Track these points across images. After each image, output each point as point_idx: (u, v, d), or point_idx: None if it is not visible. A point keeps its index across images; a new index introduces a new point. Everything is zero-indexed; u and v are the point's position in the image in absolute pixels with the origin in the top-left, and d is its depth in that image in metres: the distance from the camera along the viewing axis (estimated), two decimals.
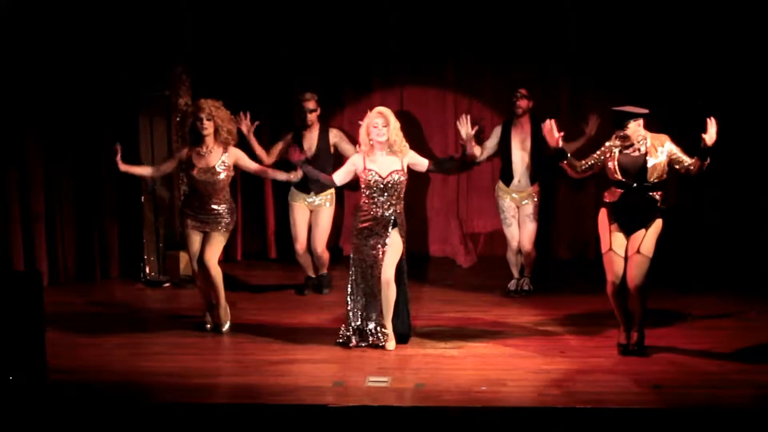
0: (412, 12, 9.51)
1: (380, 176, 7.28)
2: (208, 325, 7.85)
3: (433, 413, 6.22)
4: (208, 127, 7.57)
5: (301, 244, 8.80)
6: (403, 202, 7.38)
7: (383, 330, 7.34)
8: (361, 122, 7.36)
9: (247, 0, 9.41)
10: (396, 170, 7.29)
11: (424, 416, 6.21)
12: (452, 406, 6.29)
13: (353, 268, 7.44)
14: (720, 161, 9.18)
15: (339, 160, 8.73)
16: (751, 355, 7.06)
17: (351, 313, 7.44)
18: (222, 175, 7.64)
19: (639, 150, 7.01)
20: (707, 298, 8.43)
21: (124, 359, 7.18)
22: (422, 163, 7.46)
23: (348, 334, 7.44)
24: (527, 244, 8.67)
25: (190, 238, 7.77)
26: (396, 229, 7.32)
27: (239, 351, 7.42)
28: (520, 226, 8.70)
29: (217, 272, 7.71)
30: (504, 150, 8.69)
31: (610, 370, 6.84)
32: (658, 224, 7.07)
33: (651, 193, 7.05)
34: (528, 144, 8.61)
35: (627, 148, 7.02)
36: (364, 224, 7.36)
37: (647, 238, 7.01)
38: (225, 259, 9.85)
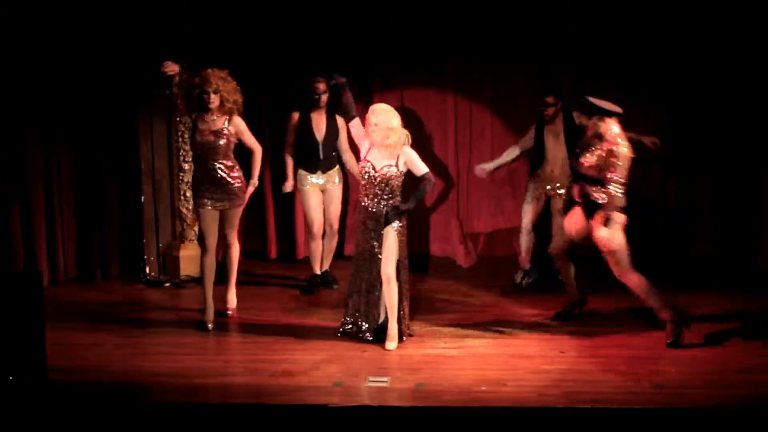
0: (412, 12, 9.50)
1: (374, 169, 7.30)
2: (210, 325, 7.85)
3: (433, 413, 6.22)
4: (215, 101, 7.78)
5: (318, 228, 8.86)
6: (399, 198, 7.38)
7: (384, 328, 7.35)
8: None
9: (247, 1, 9.40)
10: (388, 165, 7.29)
11: (424, 416, 6.21)
12: (452, 406, 6.29)
13: (354, 263, 7.49)
14: (719, 159, 9.29)
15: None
16: (751, 355, 7.07)
17: (351, 308, 7.48)
18: (222, 140, 7.80)
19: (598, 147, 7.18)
20: (707, 298, 8.42)
21: (124, 359, 7.18)
22: (417, 171, 7.35)
23: (348, 327, 7.50)
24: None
25: (203, 216, 7.91)
26: (390, 225, 7.32)
27: (239, 351, 7.43)
28: (552, 220, 8.92)
29: (236, 251, 8.11)
30: (538, 147, 8.90)
31: (610, 370, 6.84)
32: (604, 218, 7.19)
33: (590, 188, 7.25)
34: (562, 138, 8.79)
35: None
36: (361, 218, 7.40)
37: (598, 233, 7.24)
38: (224, 258, 9.86)
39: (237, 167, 7.95)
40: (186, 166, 9.26)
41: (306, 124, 8.77)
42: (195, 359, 7.19)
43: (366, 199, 7.38)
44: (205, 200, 7.87)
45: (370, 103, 9.62)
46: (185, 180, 9.25)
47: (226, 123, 7.83)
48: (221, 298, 8.10)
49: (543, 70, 9.61)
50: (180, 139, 9.18)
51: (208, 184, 7.86)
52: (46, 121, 9.01)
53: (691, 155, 9.41)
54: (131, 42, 9.09)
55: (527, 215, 9.01)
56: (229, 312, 8.14)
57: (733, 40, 9.08)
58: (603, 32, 9.35)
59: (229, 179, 7.86)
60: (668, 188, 9.59)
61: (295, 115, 8.80)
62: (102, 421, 6.25)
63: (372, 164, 7.31)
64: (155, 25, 9.09)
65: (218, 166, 7.83)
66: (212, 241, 7.92)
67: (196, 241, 9.46)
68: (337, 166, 8.87)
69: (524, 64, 9.61)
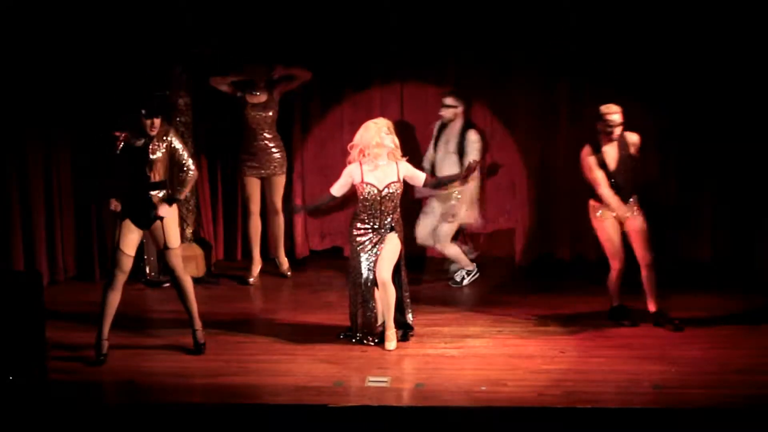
0: (412, 12, 9.50)
1: (377, 189, 7.30)
2: (251, 280, 9.07)
3: (433, 413, 6.22)
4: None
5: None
6: (399, 208, 7.45)
7: (384, 329, 7.36)
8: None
9: (247, 0, 9.40)
10: (393, 182, 7.33)
11: (424, 416, 6.21)
12: (452, 406, 6.30)
13: (353, 268, 7.46)
14: (719, 158, 9.29)
15: None
16: (751, 355, 7.07)
17: (352, 311, 7.48)
18: (272, 111, 8.88)
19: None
20: (707, 298, 8.42)
21: (124, 359, 7.19)
22: (418, 177, 7.48)
23: (351, 330, 7.51)
24: None
25: (249, 183, 8.96)
26: (393, 231, 7.37)
27: (239, 351, 7.42)
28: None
29: (281, 218, 9.08)
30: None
31: (610, 370, 6.85)
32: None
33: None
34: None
35: None
36: (362, 238, 7.39)
37: None
38: (224, 258, 9.86)
39: (279, 138, 8.97)
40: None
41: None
42: (195, 359, 7.19)
43: (372, 217, 7.37)
44: (248, 169, 8.90)
45: (370, 102, 9.68)
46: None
47: (271, 94, 8.89)
48: (272, 264, 9.28)
49: (542, 70, 9.59)
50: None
51: (251, 154, 8.86)
52: (46, 121, 9.00)
53: (691, 156, 9.40)
54: (131, 42, 9.08)
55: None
56: (288, 273, 9.21)
57: (733, 40, 9.08)
58: (603, 33, 9.35)
59: (273, 149, 8.90)
60: (668, 188, 9.58)
61: None
62: (102, 421, 6.25)
63: (374, 186, 7.32)
64: (155, 25, 9.09)
65: (266, 136, 8.87)
66: (255, 207, 8.99)
67: (195, 242, 9.45)
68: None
69: (524, 65, 9.59)
